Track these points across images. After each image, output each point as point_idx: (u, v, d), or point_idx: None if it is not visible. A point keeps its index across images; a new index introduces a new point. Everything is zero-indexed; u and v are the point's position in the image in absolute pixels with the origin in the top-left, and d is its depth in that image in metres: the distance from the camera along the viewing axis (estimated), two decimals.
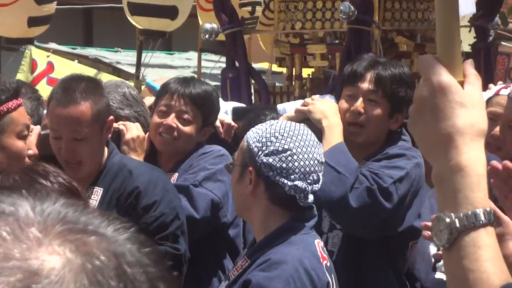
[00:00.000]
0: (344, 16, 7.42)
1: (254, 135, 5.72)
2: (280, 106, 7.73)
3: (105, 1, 11.83)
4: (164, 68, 14.42)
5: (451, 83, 2.54)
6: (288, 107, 7.62)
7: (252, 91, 8.49)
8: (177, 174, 7.16)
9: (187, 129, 7.09)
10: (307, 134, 5.51)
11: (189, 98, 7.28)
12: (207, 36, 8.66)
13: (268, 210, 5.63)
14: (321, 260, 5.55)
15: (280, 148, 5.22)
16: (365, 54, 7.02)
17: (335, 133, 6.28)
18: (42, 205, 1.16)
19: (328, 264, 5.72)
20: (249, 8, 9.93)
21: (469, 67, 2.67)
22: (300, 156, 5.16)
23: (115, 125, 7.14)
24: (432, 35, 8.55)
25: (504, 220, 3.74)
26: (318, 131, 6.24)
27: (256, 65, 11.53)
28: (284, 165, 5.16)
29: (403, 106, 6.25)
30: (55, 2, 12.44)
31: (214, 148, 7.34)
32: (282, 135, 5.36)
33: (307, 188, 5.10)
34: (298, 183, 5.05)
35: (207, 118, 7.41)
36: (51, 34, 14.19)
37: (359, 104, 6.17)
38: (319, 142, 5.61)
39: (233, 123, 7.94)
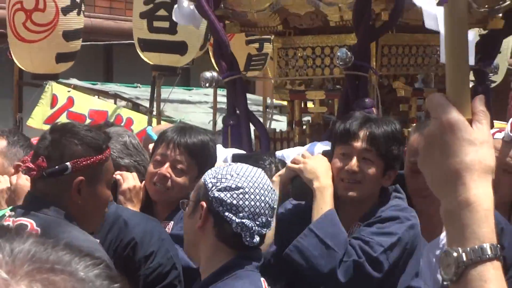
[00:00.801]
0: (341, 62, 7.41)
1: (211, 173, 5.72)
2: (279, 153, 7.69)
3: (124, 37, 11.96)
4: (183, 103, 14.56)
5: (460, 121, 2.48)
6: (287, 154, 7.61)
7: (253, 137, 8.50)
8: (172, 222, 7.09)
9: (181, 179, 7.00)
10: (262, 178, 5.48)
11: (184, 148, 7.18)
12: (207, 84, 8.57)
13: (215, 246, 5.56)
14: None
15: (233, 185, 5.21)
16: (357, 112, 6.87)
17: (326, 197, 6.20)
18: (12, 245, 1.17)
19: None
20: (257, 45, 10.59)
21: (478, 104, 2.60)
22: (252, 196, 5.13)
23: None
24: (428, 79, 8.77)
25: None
26: (309, 188, 6.27)
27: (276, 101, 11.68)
28: (234, 201, 5.14)
29: (396, 163, 6.34)
30: (81, 38, 12.54)
31: None
32: (238, 174, 5.37)
33: (254, 227, 5.10)
34: (246, 221, 5.05)
35: (202, 168, 6.96)
36: (72, 70, 14.10)
37: (354, 163, 6.14)
38: (273, 189, 5.56)
39: None
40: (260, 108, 10.26)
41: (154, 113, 12.77)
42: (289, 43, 8.50)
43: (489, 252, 2.29)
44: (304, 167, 6.28)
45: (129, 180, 7.13)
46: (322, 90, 7.98)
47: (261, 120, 10.05)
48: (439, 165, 2.50)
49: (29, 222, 5.61)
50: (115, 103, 13.81)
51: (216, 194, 5.27)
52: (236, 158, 7.85)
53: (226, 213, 5.15)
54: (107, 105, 14.07)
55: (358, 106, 7.42)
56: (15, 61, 11.87)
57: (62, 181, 5.72)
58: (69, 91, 14.29)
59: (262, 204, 5.10)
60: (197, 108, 14.75)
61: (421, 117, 8.60)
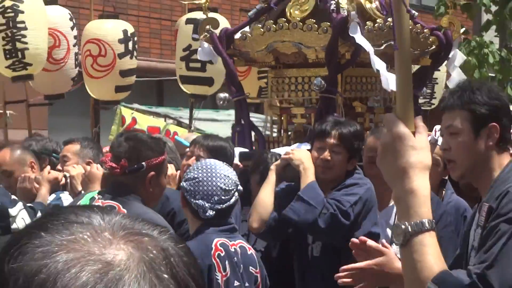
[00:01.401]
0: (316, 88, 8.21)
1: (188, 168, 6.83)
2: (272, 151, 8.24)
3: (170, 74, 12.39)
4: (211, 121, 16.05)
5: (406, 133, 2.87)
6: (278, 151, 8.08)
7: (253, 140, 9.17)
8: None
9: None
10: (216, 168, 6.18)
11: (206, 148, 7.90)
12: (221, 102, 9.34)
13: (191, 220, 6.49)
14: (213, 250, 6.10)
15: (191, 176, 5.93)
16: (331, 116, 7.64)
17: (309, 175, 6.77)
18: (108, 217, 1.32)
19: (223, 254, 6.23)
20: (265, 80, 10.64)
21: (418, 120, 2.97)
22: (204, 183, 5.77)
23: None
24: (377, 100, 9.36)
25: (384, 251, 4.16)
26: (297, 172, 6.97)
27: None
28: (191, 188, 5.83)
29: (357, 154, 7.01)
30: (135, 75, 12.85)
31: None
32: (197, 168, 6.18)
33: (206, 206, 5.74)
34: (200, 202, 5.70)
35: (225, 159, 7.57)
36: (134, 97, 14.90)
37: (327, 154, 6.72)
38: (226, 175, 6.17)
39: (239, 164, 8.32)
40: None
41: (192, 128, 13.27)
42: (279, 74, 9.15)
43: (427, 225, 2.78)
44: (293, 156, 6.94)
45: (170, 169, 7.75)
46: (303, 107, 8.74)
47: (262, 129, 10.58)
48: (391, 165, 2.90)
49: (116, 205, 6.25)
50: (165, 121, 15.01)
51: (183, 183, 6.15)
52: (243, 154, 8.62)
53: (187, 197, 5.91)
54: (159, 123, 14.85)
55: None
56: (88, 91, 12.71)
57: (138, 175, 6.54)
58: (132, 113, 14.93)
59: (214, 188, 5.75)
60: (222, 124, 14.72)
61: (372, 127, 8.89)
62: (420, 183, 2.81)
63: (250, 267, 5.79)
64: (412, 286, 2.74)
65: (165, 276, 1.21)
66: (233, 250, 6.31)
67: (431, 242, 2.73)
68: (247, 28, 8.87)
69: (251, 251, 6.04)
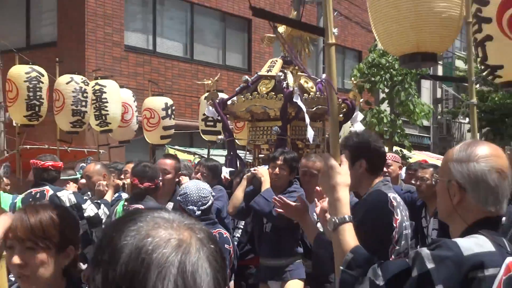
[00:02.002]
0: (274, 133, 7.84)
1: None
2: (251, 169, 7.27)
3: (196, 128, 12.41)
4: (221, 156, 15.36)
5: (335, 164, 2.76)
6: (252, 170, 7.28)
7: (238, 164, 8.76)
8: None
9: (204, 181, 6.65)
10: (197, 185, 5.77)
11: (206, 167, 7.59)
12: (219, 141, 9.12)
13: None
14: None
15: (182, 193, 5.46)
16: (281, 149, 7.21)
17: (266, 184, 6.39)
18: (172, 214, 1.30)
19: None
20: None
21: (343, 157, 2.85)
22: (192, 196, 5.38)
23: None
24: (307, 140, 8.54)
25: (297, 205, 3.97)
26: (259, 181, 6.55)
27: None
28: (184, 199, 5.38)
29: (295, 170, 6.50)
30: (173, 129, 12.63)
31: (217, 187, 7.23)
32: (185, 187, 5.68)
33: (194, 209, 5.36)
34: (191, 207, 5.34)
35: (215, 175, 7.69)
36: (175, 141, 14.57)
37: (277, 170, 6.39)
38: (203, 188, 5.76)
39: (228, 177, 8.17)
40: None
41: None
42: (253, 125, 8.67)
43: (347, 219, 2.63)
44: (258, 172, 6.57)
45: (185, 180, 7.11)
46: (267, 144, 8.31)
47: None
48: (327, 183, 2.77)
49: (140, 206, 5.81)
50: (193, 155, 13.66)
51: (178, 197, 5.64)
52: (231, 171, 8.34)
53: (182, 205, 5.41)
54: (190, 157, 14.13)
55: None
56: (146, 138, 12.51)
57: (150, 188, 6.16)
58: (174, 151, 14.22)
59: (198, 198, 5.40)
60: (223, 156, 15.09)
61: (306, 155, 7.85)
62: (343, 194, 2.69)
63: (225, 245, 5.39)
64: (338, 256, 2.50)
65: (212, 246, 1.25)
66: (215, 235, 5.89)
67: (349, 229, 2.58)
68: (235, 98, 8.59)
69: (226, 235, 5.64)
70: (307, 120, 7.81)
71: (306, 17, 16.22)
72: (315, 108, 8.18)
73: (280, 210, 3.80)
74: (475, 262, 2.09)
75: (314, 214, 5.92)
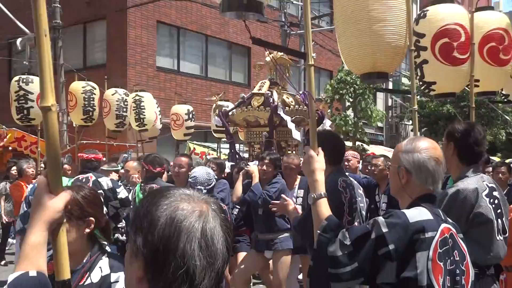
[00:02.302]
0: (264, 137, 7.88)
1: None
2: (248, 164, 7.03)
3: (209, 128, 12.46)
4: (227, 149, 14.98)
5: (313, 154, 2.57)
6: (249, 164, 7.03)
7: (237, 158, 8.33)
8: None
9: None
10: (205, 172, 5.67)
11: (214, 163, 7.18)
12: (222, 144, 9.09)
13: None
14: None
15: (192, 177, 5.40)
16: (267, 150, 7.02)
17: (255, 178, 6.05)
18: (192, 191, 1.26)
19: None
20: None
21: (319, 149, 2.63)
22: (201, 178, 5.35)
23: None
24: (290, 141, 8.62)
25: (287, 202, 3.57)
26: (250, 176, 6.22)
27: None
28: (193, 181, 5.23)
29: (278, 166, 6.16)
30: (193, 129, 12.47)
31: (222, 181, 6.67)
32: (195, 171, 5.60)
33: (201, 188, 5.23)
34: (199, 186, 5.21)
35: (222, 170, 7.40)
36: (194, 138, 14.25)
37: (264, 167, 6.02)
38: (205, 174, 5.63)
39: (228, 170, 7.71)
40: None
41: (217, 152, 12.74)
42: (249, 130, 8.53)
43: (322, 195, 2.45)
44: (250, 169, 6.25)
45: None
46: (259, 144, 8.19)
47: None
48: (308, 168, 2.58)
49: (155, 185, 5.64)
50: (207, 149, 14.34)
51: (189, 180, 5.48)
52: (232, 165, 7.85)
53: (192, 185, 5.23)
54: (205, 149, 14.11)
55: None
56: (173, 135, 12.50)
57: (159, 172, 5.90)
58: (193, 146, 14.25)
59: (204, 180, 5.35)
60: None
61: (288, 153, 8.04)
62: (320, 176, 2.52)
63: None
64: (316, 223, 2.36)
65: (222, 215, 1.22)
66: None
67: (324, 202, 2.42)
68: (234, 110, 8.47)
69: (225, 207, 5.41)
70: (291, 125, 7.68)
71: (290, 45, 16.05)
72: (294, 117, 8.06)
73: (274, 209, 3.64)
74: (418, 227, 2.05)
75: (293, 197, 6.08)
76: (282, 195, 3.55)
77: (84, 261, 2.30)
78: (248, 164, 6.70)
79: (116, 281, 2.21)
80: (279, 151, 7.76)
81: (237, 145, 9.23)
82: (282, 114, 7.74)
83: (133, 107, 11.11)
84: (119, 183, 6.77)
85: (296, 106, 8.25)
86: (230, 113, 8.52)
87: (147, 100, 11.32)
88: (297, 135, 7.77)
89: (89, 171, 6.27)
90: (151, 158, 5.90)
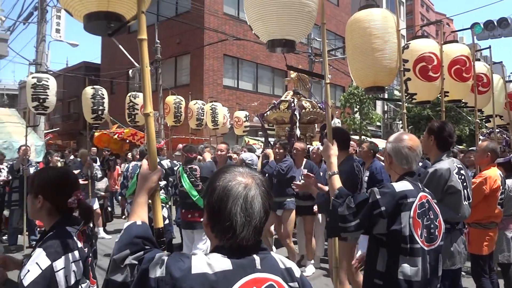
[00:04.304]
0: (287, 130, 7.36)
1: None
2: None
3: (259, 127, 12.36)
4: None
5: (330, 144, 2.44)
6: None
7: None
8: None
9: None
10: (254, 156, 5.21)
11: (246, 149, 6.94)
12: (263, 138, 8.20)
13: None
14: None
15: (250, 158, 5.08)
16: (286, 139, 6.31)
17: (271, 158, 5.40)
18: (243, 168, 1.20)
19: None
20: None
21: (334, 141, 2.50)
22: (254, 160, 4.88)
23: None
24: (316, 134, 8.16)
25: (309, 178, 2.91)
26: (268, 157, 5.56)
27: None
28: (251, 162, 4.61)
29: (287, 149, 5.59)
30: (248, 127, 11.84)
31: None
32: (250, 156, 5.26)
33: (253, 166, 4.83)
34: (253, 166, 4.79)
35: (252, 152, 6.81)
36: (249, 134, 13.26)
37: (276, 150, 5.53)
38: (253, 157, 5.33)
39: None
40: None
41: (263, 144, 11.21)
42: (278, 127, 8.02)
43: (336, 172, 2.28)
44: (266, 152, 5.68)
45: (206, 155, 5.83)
46: (285, 136, 7.47)
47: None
48: (326, 154, 2.40)
49: (193, 166, 5.09)
50: (258, 141, 13.04)
51: (248, 161, 5.02)
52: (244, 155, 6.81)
53: (248, 164, 4.65)
54: (256, 142, 12.40)
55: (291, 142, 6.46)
56: (236, 133, 12.21)
57: (195, 157, 5.25)
58: (248, 139, 13.34)
59: (253, 162, 4.76)
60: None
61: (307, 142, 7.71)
62: (334, 160, 2.36)
63: None
64: (331, 191, 2.21)
65: (263, 188, 1.16)
66: None
67: (337, 178, 2.24)
68: (268, 112, 8.12)
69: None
70: (297, 125, 7.36)
71: (315, 70, 15.87)
72: (309, 117, 7.83)
73: (297, 190, 3.24)
74: (402, 195, 1.99)
75: (300, 175, 5.60)
76: (306, 176, 3.07)
77: (48, 230, 1.77)
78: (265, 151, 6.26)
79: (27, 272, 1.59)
80: (298, 140, 7.27)
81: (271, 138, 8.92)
82: (297, 114, 7.44)
83: (210, 113, 11.04)
84: (176, 163, 6.19)
85: (312, 109, 7.92)
86: (265, 115, 8.28)
87: (219, 108, 11.24)
88: (298, 131, 7.37)
89: None
90: (188, 148, 5.34)
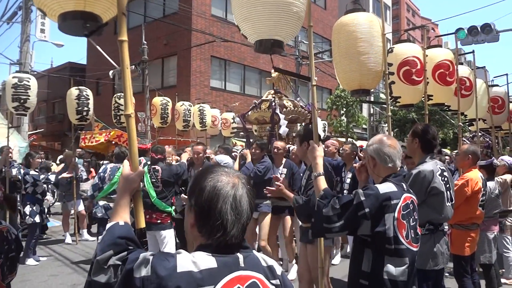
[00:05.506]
0: (268, 130, 7.28)
1: None
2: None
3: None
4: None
5: (315, 145, 2.41)
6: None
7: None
8: None
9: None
10: (225, 158, 5.21)
11: (221, 148, 6.79)
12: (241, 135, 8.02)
13: None
14: None
15: (225, 162, 4.81)
16: (262, 140, 6.09)
17: (248, 158, 5.37)
18: (228, 168, 1.21)
19: None
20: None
21: (320, 142, 2.53)
22: (229, 163, 4.88)
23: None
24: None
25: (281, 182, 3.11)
26: (245, 157, 5.56)
27: None
28: (225, 164, 4.47)
29: (264, 150, 5.53)
30: (236, 129, 11.80)
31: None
32: (224, 159, 5.14)
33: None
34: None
35: (229, 153, 6.67)
36: (235, 135, 13.52)
37: (253, 150, 5.40)
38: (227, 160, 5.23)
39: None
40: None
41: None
42: (260, 127, 7.72)
43: (321, 173, 2.27)
44: (244, 152, 5.66)
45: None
46: (265, 135, 7.40)
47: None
48: (312, 155, 2.43)
49: (156, 167, 5.02)
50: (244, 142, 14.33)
51: (223, 164, 4.61)
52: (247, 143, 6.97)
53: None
54: (242, 143, 12.40)
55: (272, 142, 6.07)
56: (223, 134, 12.48)
57: (163, 158, 5.15)
58: (235, 140, 13.20)
59: (228, 164, 4.73)
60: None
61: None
62: (319, 161, 2.35)
63: None
64: (317, 192, 2.20)
65: (248, 186, 1.17)
66: None
67: (322, 178, 2.25)
68: (249, 112, 7.85)
69: None
70: (283, 122, 7.21)
71: (302, 72, 15.90)
72: (290, 116, 7.62)
73: (269, 194, 3.15)
74: (386, 196, 1.99)
75: (279, 173, 5.35)
76: (276, 182, 3.02)
77: None
78: (243, 151, 6.08)
79: None
80: (280, 140, 7.25)
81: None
82: (278, 113, 7.26)
83: (198, 114, 10.97)
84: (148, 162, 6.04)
85: (293, 108, 7.70)
86: (246, 115, 8.07)
87: (207, 110, 11.19)
88: (283, 130, 7.08)
89: (140, 156, 5.90)
90: (155, 148, 5.24)
